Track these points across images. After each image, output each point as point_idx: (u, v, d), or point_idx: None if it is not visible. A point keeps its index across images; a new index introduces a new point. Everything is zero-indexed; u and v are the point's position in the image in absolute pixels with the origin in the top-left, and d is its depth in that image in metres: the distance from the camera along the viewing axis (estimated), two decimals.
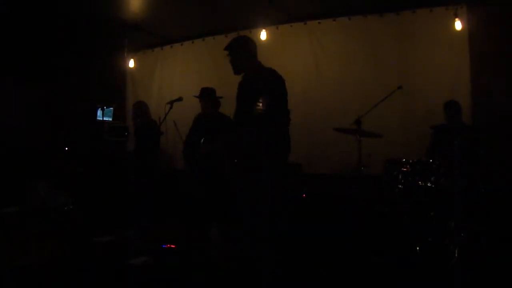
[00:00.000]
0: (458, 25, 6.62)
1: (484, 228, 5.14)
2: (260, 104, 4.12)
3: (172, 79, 9.02)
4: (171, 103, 5.64)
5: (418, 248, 4.93)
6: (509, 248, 4.96)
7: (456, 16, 6.62)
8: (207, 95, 6.42)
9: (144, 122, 7.21)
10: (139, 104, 7.49)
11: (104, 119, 7.74)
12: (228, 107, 7.01)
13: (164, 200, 6.53)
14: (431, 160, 5.27)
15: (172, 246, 5.33)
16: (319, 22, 7.62)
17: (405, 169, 5.30)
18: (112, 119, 7.98)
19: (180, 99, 5.81)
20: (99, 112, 7.78)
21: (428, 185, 5.19)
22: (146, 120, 7.25)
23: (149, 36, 8.79)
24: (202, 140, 6.03)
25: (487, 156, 5.67)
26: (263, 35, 7.86)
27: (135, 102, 7.77)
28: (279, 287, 4.33)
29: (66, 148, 7.80)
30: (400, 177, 5.30)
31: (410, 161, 5.31)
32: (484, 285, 4.29)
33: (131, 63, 9.31)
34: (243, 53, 4.63)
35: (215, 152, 5.76)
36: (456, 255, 4.68)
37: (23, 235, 6.10)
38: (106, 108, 7.86)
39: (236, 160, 4.44)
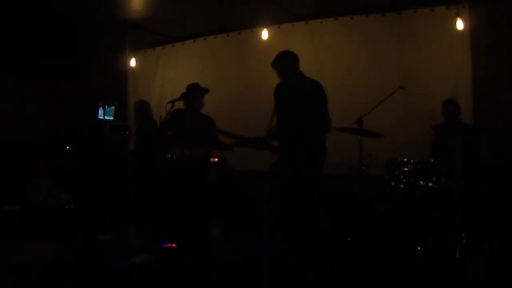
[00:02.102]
0: (459, 24, 6.61)
1: (486, 228, 5.14)
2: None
3: (173, 78, 9.01)
4: (173, 102, 5.64)
5: (419, 248, 4.92)
6: (510, 248, 4.97)
7: (457, 15, 6.62)
8: (199, 90, 6.09)
9: (145, 121, 7.21)
10: (140, 103, 7.48)
11: (106, 118, 7.74)
12: (226, 105, 7.07)
13: (165, 199, 6.52)
14: (432, 160, 5.28)
15: (173, 245, 5.33)
16: (321, 22, 7.63)
17: (406, 169, 5.29)
18: (114, 118, 7.98)
19: (181, 98, 5.83)
20: (101, 111, 7.78)
21: (430, 185, 5.19)
22: (147, 119, 7.25)
23: (150, 35, 8.80)
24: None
25: (488, 155, 5.66)
26: (265, 34, 7.87)
27: (137, 101, 7.77)
28: (279, 286, 4.34)
29: (67, 147, 7.81)
30: (401, 176, 5.30)
31: (412, 161, 5.30)
32: (485, 285, 4.29)
33: (133, 62, 9.32)
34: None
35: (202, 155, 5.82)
36: (457, 255, 4.69)
37: (24, 233, 6.11)
38: (108, 107, 7.85)
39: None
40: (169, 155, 5.72)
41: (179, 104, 5.85)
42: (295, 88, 5.10)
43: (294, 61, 5.23)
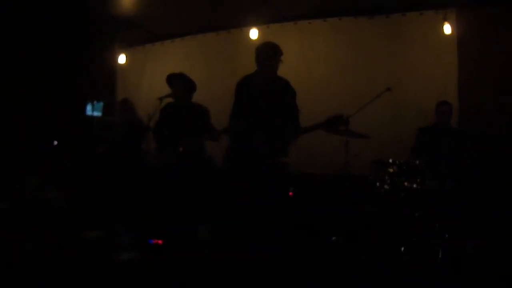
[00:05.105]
0: (447, 28, 6.67)
1: (469, 229, 5.21)
2: None
3: (162, 75, 8.92)
4: (161, 99, 5.67)
5: (402, 248, 4.98)
6: (493, 249, 5.03)
7: (445, 19, 6.68)
8: (178, 80, 5.99)
9: (129, 119, 7.22)
10: (124, 101, 7.50)
11: (94, 113, 7.74)
12: (215, 103, 7.08)
13: (151, 196, 6.53)
14: (417, 162, 5.33)
15: (159, 241, 5.34)
16: (309, 22, 7.66)
17: (391, 170, 5.34)
18: (102, 114, 7.97)
19: (170, 95, 5.85)
20: (89, 107, 7.78)
21: (414, 186, 5.25)
22: (131, 117, 7.25)
23: (140, 32, 8.79)
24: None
25: (473, 159, 5.74)
26: (254, 33, 7.88)
27: (121, 99, 7.78)
28: (265, 286, 4.37)
29: (56, 143, 7.79)
30: (386, 177, 5.35)
31: (397, 162, 5.35)
32: (467, 286, 4.36)
33: (122, 59, 9.29)
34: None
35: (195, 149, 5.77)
36: (440, 256, 4.75)
37: (11, 230, 6.08)
38: (97, 103, 7.85)
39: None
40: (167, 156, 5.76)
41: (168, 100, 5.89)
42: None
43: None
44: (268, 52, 4.94)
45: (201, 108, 6.02)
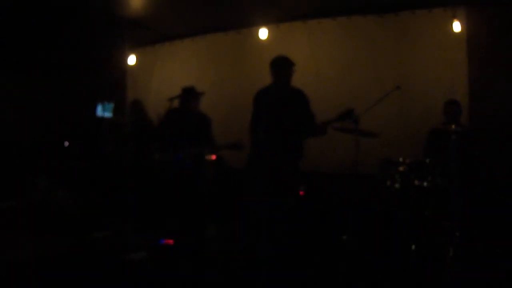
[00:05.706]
0: (456, 26, 6.65)
1: (479, 228, 5.19)
2: None
3: (172, 75, 9.04)
4: (172, 99, 5.70)
5: (413, 247, 4.97)
6: (502, 248, 5.02)
7: (454, 17, 6.66)
8: (197, 94, 6.19)
9: (139, 120, 7.25)
10: (135, 102, 7.53)
11: (105, 114, 7.79)
12: (224, 104, 7.11)
13: (162, 196, 6.56)
14: (427, 160, 5.32)
15: (169, 241, 5.36)
16: (319, 22, 7.66)
17: (402, 169, 5.34)
18: (112, 115, 8.02)
19: (180, 96, 5.89)
20: (100, 108, 7.82)
21: (425, 184, 5.24)
22: (141, 117, 7.28)
23: (149, 32, 8.81)
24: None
25: (482, 157, 5.72)
26: (263, 33, 7.89)
27: (132, 100, 7.82)
28: (273, 284, 4.39)
29: (67, 143, 7.84)
30: (396, 176, 5.35)
31: (407, 160, 5.35)
32: (477, 284, 4.35)
33: (132, 59, 9.32)
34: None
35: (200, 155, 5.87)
36: (450, 254, 4.74)
37: (21, 230, 6.12)
38: (107, 104, 7.90)
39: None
40: (166, 156, 5.80)
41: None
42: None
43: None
44: (281, 65, 5.27)
45: (203, 117, 6.20)
